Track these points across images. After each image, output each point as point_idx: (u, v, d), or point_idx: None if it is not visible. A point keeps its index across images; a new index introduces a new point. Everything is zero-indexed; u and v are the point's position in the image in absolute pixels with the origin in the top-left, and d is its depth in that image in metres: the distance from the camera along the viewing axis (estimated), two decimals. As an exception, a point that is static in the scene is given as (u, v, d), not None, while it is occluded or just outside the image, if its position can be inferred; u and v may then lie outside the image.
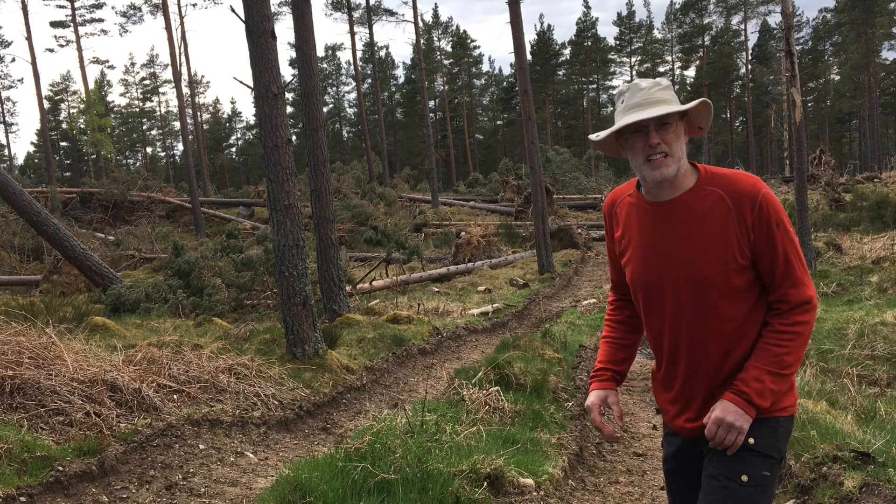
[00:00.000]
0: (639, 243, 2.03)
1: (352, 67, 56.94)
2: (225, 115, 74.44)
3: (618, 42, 68.27)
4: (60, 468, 3.81)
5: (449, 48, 68.54)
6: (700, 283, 1.91)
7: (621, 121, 1.94)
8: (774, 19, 61.35)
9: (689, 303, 1.94)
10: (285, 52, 60.77)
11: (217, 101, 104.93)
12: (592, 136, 2.06)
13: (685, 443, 2.08)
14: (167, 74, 61.48)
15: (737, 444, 1.85)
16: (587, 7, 66.63)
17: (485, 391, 4.98)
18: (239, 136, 74.34)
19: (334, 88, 68.51)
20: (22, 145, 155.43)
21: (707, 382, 1.96)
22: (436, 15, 67.62)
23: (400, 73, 68.08)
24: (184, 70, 37.18)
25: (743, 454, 1.87)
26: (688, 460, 2.08)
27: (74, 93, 62.76)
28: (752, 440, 1.87)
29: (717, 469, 1.90)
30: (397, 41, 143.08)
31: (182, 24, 36.02)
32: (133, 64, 70.20)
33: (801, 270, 1.90)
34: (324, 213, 9.97)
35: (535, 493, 3.61)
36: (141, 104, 68.86)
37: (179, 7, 38.71)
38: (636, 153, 1.94)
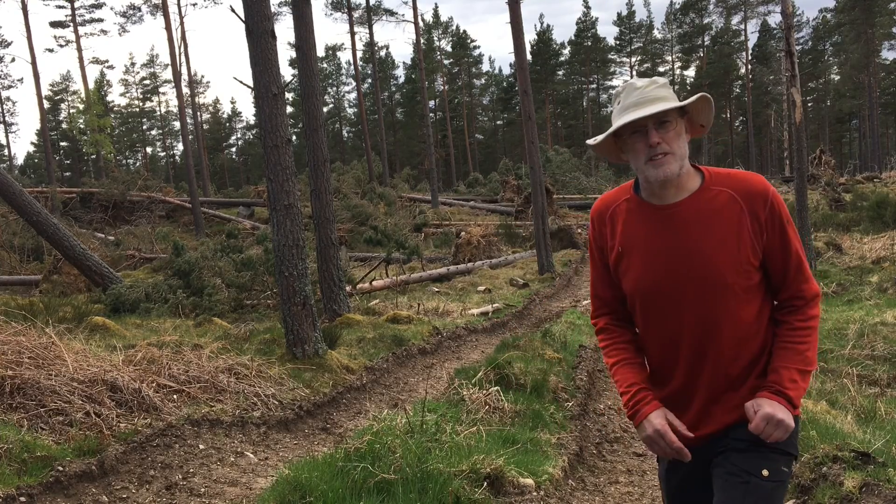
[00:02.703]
0: (644, 249, 1.94)
1: (352, 67, 57.05)
2: (225, 115, 74.49)
3: (618, 42, 68.28)
4: (60, 468, 3.81)
5: (449, 48, 68.55)
6: (716, 286, 1.86)
7: (618, 121, 1.88)
8: (774, 19, 61.44)
9: (703, 306, 1.88)
10: (285, 52, 60.82)
11: (217, 101, 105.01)
12: (590, 141, 2.00)
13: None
14: (167, 74, 61.58)
15: (781, 439, 1.83)
16: (587, 7, 66.63)
17: (485, 391, 4.98)
18: (239, 136, 74.39)
19: (334, 88, 68.50)
20: (22, 145, 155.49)
21: (713, 386, 1.92)
22: (436, 15, 67.70)
23: (400, 73, 68.15)
24: (184, 70, 37.20)
25: (762, 450, 1.86)
26: (685, 470, 2.03)
27: (74, 93, 62.79)
28: None
29: (736, 466, 1.87)
30: (397, 41, 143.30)
31: (182, 24, 36.02)
32: (133, 64, 70.24)
33: (807, 269, 1.93)
34: (324, 213, 9.97)
35: (535, 493, 3.61)
36: (141, 104, 68.88)
37: (179, 7, 38.64)
38: (637, 154, 1.88)
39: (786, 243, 1.89)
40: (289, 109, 40.68)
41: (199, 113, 54.12)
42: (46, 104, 51.76)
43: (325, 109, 54.65)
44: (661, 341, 1.98)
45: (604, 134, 1.94)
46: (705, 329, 1.89)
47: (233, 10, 7.18)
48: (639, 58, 68.47)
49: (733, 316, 1.88)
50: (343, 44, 76.26)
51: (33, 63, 37.76)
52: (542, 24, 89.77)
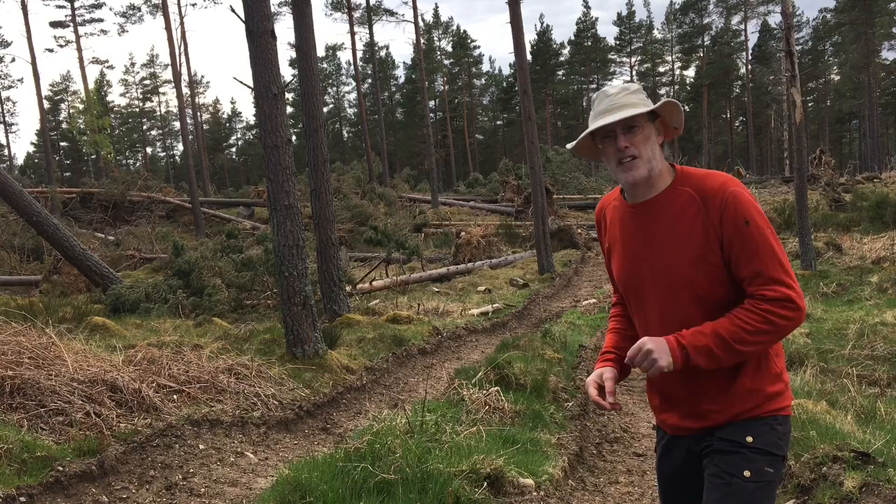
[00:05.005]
0: (621, 244, 2.07)
1: (352, 67, 56.98)
2: (225, 115, 74.46)
3: (618, 42, 68.26)
4: (60, 468, 3.81)
5: (449, 48, 68.55)
6: (676, 283, 1.92)
7: (589, 127, 1.99)
8: (774, 19, 61.40)
9: (668, 302, 1.95)
10: (285, 52, 60.83)
11: (217, 101, 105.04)
12: (569, 146, 2.11)
13: (671, 441, 2.09)
14: (167, 74, 61.53)
15: (650, 368, 1.85)
16: (587, 7, 66.66)
17: (485, 391, 4.98)
18: (239, 136, 74.37)
19: (334, 88, 68.51)
20: (22, 145, 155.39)
21: (692, 381, 1.95)
22: (436, 15, 67.73)
23: (400, 73, 68.17)
24: (184, 70, 37.22)
25: (743, 451, 1.87)
26: (677, 460, 2.08)
27: (74, 93, 62.78)
28: (750, 438, 1.88)
29: (718, 467, 1.89)
30: (397, 41, 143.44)
31: (182, 24, 36.05)
32: (133, 64, 70.32)
33: (777, 270, 1.84)
34: (324, 213, 9.97)
35: (535, 494, 3.61)
36: (141, 104, 68.88)
37: (179, 7, 38.85)
38: (609, 157, 2.00)
39: (743, 243, 1.85)
40: (289, 109, 40.68)
41: (199, 113, 54.15)
42: (46, 104, 51.78)
43: (325, 109, 54.70)
44: (641, 332, 2.06)
45: (577, 139, 2.06)
46: (670, 324, 1.93)
47: (233, 10, 7.18)
48: (639, 58, 68.47)
49: (697, 313, 1.91)
50: (343, 44, 76.33)
51: (33, 63, 37.75)
52: (542, 24, 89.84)
